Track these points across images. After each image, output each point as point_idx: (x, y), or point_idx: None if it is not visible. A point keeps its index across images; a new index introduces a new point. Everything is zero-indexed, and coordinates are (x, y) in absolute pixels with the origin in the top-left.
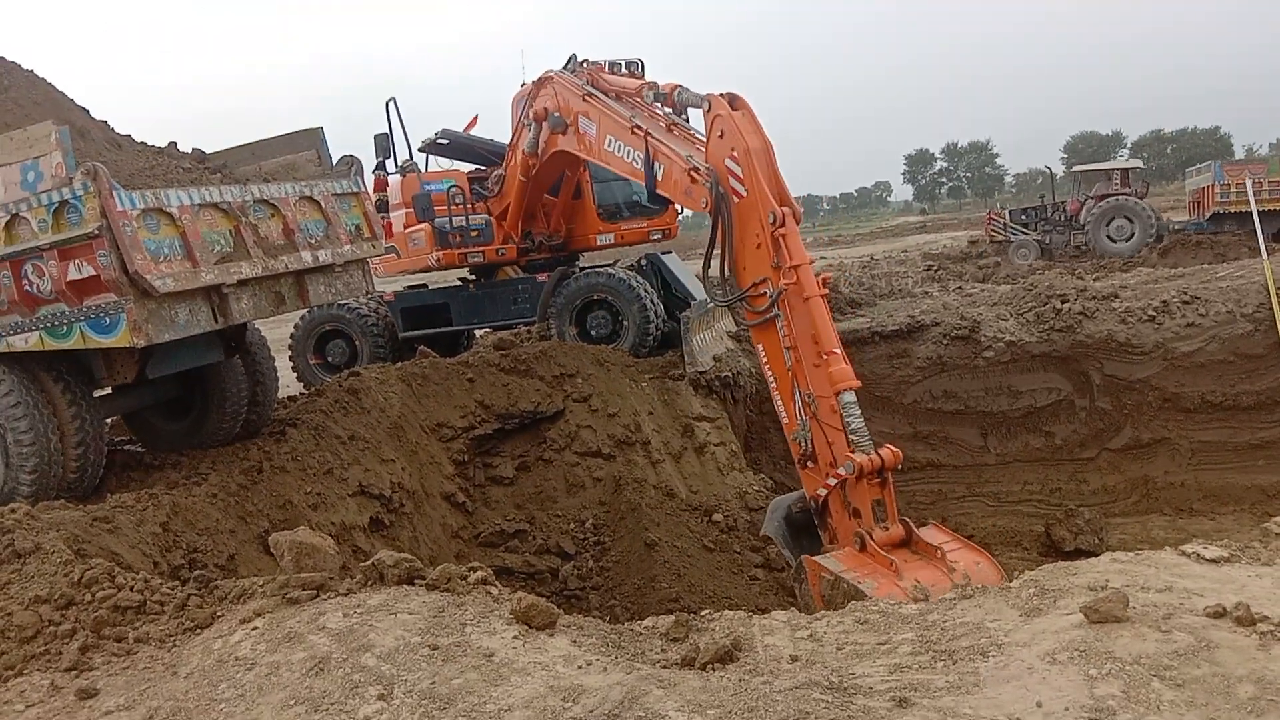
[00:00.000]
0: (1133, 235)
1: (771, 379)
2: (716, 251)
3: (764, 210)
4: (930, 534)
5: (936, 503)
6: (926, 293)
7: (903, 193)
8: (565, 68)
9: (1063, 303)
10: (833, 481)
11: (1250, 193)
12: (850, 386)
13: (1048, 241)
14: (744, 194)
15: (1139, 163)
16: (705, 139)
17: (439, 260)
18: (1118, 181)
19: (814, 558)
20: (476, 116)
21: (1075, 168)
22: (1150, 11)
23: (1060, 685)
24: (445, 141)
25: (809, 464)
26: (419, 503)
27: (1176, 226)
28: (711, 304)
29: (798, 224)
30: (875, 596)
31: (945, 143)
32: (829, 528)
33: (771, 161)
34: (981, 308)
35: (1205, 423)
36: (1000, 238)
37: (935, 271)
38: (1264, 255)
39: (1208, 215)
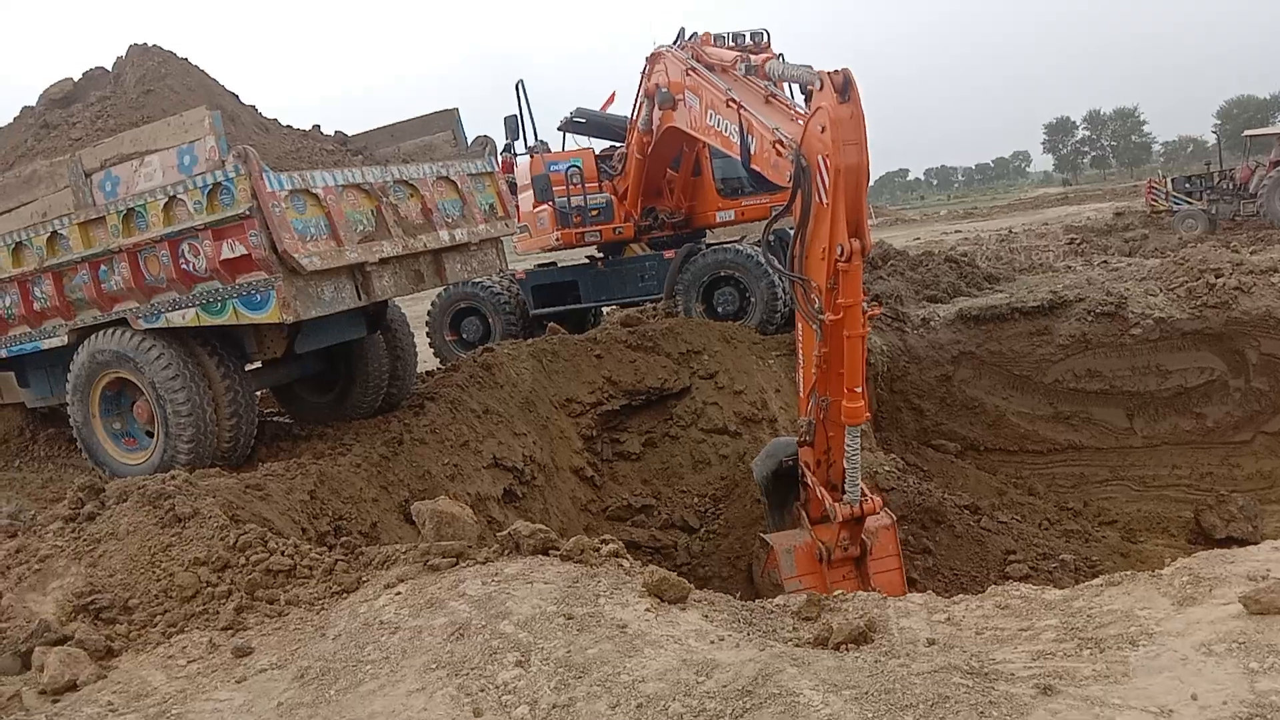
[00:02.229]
0: None
1: (799, 357)
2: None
3: (834, 237)
4: (882, 544)
5: (1078, 486)
6: (1069, 267)
7: (1042, 163)
8: (675, 42)
9: (1217, 277)
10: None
11: None
12: (859, 423)
13: (1214, 211)
14: (825, 202)
15: None
16: (805, 115)
17: (558, 239)
18: None
19: (777, 544)
20: (615, 93)
21: (1246, 133)
22: None
23: (1217, 678)
24: (582, 120)
25: (806, 445)
26: (549, 476)
27: None
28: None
29: (865, 256)
30: None
31: (1088, 110)
32: (806, 495)
33: (861, 184)
34: (1129, 283)
35: None
36: (1162, 208)
37: (1078, 245)
38: None
39: None
